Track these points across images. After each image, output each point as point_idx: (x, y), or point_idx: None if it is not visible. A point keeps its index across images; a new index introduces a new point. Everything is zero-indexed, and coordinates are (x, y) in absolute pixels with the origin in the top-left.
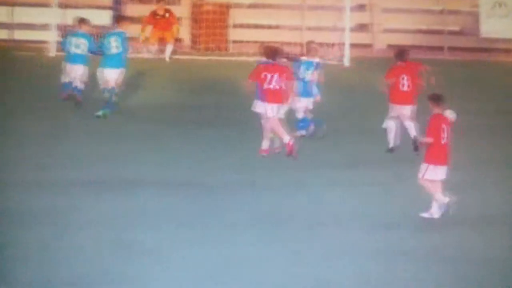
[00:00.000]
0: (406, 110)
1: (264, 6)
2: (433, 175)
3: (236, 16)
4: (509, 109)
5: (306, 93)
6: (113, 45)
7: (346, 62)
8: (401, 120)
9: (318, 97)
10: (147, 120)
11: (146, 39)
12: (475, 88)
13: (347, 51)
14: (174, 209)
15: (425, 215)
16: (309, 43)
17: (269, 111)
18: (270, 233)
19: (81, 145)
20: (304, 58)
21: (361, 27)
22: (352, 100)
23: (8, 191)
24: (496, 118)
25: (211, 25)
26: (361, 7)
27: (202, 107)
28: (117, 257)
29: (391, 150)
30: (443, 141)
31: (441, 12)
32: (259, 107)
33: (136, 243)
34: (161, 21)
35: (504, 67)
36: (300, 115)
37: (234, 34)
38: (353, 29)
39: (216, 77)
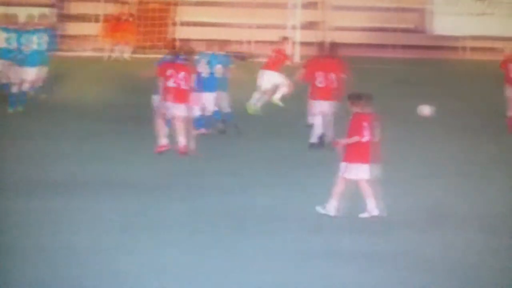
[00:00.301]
0: (324, 106)
1: (212, 3)
2: (353, 173)
3: (183, 14)
4: (449, 108)
5: (210, 88)
6: (35, 42)
7: (296, 59)
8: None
9: (223, 93)
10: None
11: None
12: (421, 86)
13: (297, 49)
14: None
15: (321, 210)
16: (221, 41)
17: (175, 111)
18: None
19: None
20: (208, 52)
21: (311, 25)
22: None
23: None
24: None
25: (156, 23)
26: (312, 5)
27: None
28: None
29: (312, 145)
30: (364, 139)
31: (393, 9)
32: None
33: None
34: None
35: (452, 65)
36: (209, 109)
37: (180, 32)
38: (303, 27)
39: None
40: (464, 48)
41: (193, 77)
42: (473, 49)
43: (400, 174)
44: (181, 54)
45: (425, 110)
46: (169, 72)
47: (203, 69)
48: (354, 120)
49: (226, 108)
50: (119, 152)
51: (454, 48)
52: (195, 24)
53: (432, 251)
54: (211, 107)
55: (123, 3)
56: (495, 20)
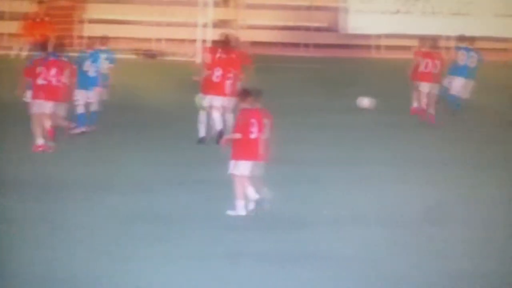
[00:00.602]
0: (216, 101)
1: (122, 1)
2: (241, 170)
3: (92, 12)
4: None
5: (88, 85)
6: None
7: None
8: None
9: (101, 89)
10: None
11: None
12: (334, 85)
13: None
14: None
15: (231, 213)
16: (102, 37)
17: (44, 108)
18: None
19: None
20: (90, 50)
21: (224, 23)
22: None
23: None
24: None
25: (64, 21)
26: (223, 3)
27: None
28: None
29: (201, 140)
30: (252, 136)
31: (307, 8)
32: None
33: None
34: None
35: (366, 64)
36: (80, 109)
37: (89, 30)
38: (215, 25)
39: None
40: (378, 47)
41: (67, 73)
42: (388, 47)
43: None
44: (54, 51)
45: (364, 102)
46: (39, 69)
47: (88, 67)
48: (241, 116)
49: (95, 106)
50: None
51: (369, 47)
52: (105, 21)
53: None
54: (95, 104)
55: (40, 2)
56: (410, 19)
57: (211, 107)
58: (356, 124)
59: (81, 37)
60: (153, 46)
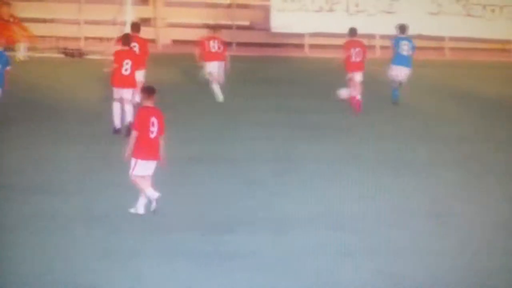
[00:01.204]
0: (126, 93)
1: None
2: (142, 170)
3: (17, 10)
4: (289, 106)
5: None
6: None
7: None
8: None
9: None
10: None
11: None
12: (256, 84)
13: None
14: None
15: (132, 210)
16: None
17: None
18: None
19: None
20: None
21: (144, 22)
22: None
23: None
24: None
25: None
26: (143, 1)
27: None
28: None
29: (116, 131)
30: (152, 135)
31: (229, 6)
32: None
33: None
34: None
35: (293, 63)
36: None
37: None
38: None
39: None
40: (303, 45)
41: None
42: (313, 46)
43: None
44: None
45: (343, 92)
46: None
47: None
48: (140, 114)
49: None
50: None
51: (296, 45)
52: (25, 20)
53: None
54: None
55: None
56: (334, 17)
57: (121, 99)
58: (284, 123)
59: None
60: (74, 45)
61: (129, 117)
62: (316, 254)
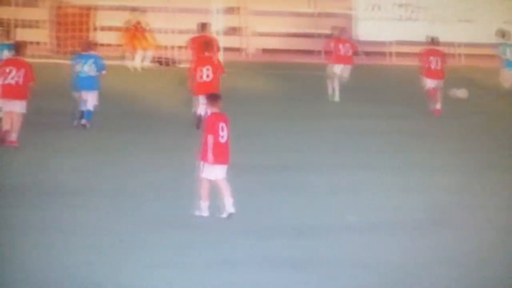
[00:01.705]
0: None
1: (127, 8)
2: (212, 174)
3: (102, 19)
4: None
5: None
6: None
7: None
8: None
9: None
10: None
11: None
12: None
13: (220, 55)
14: None
15: (196, 212)
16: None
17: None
18: None
19: None
20: (86, 53)
21: (232, 30)
22: None
23: None
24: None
25: (76, 28)
26: (230, 10)
27: None
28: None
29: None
30: (222, 140)
31: (315, 15)
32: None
33: None
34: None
35: (378, 70)
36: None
37: (99, 37)
38: (224, 33)
39: None
40: (390, 54)
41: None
42: (399, 54)
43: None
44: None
45: (458, 92)
46: (7, 69)
47: (81, 69)
48: (209, 120)
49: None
50: None
51: (381, 54)
52: (114, 29)
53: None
54: (89, 104)
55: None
56: (419, 26)
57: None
58: (371, 129)
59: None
60: (167, 54)
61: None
62: (403, 259)
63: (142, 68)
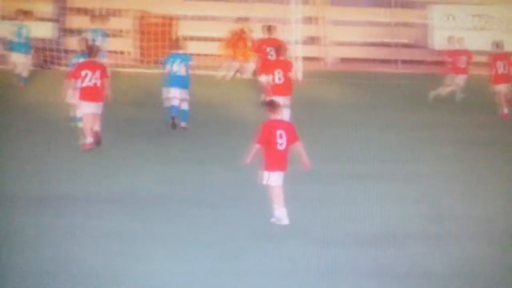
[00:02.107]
0: (283, 100)
1: (212, 18)
2: (276, 181)
3: (183, 29)
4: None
5: (179, 84)
6: None
7: (300, 76)
8: None
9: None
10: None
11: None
12: (422, 100)
13: (299, 65)
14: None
15: (274, 220)
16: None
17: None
18: None
19: None
20: (179, 52)
21: (311, 40)
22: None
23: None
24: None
25: (159, 38)
26: (308, 20)
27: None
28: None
29: None
30: (280, 147)
31: (392, 24)
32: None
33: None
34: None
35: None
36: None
37: None
38: (303, 42)
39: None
40: None
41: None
42: (473, 64)
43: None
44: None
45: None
46: (84, 72)
47: (177, 68)
48: (264, 127)
49: (185, 106)
50: None
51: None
52: (198, 38)
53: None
54: (183, 104)
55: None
56: (492, 36)
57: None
58: (448, 138)
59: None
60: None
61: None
62: (470, 267)
63: (231, 78)
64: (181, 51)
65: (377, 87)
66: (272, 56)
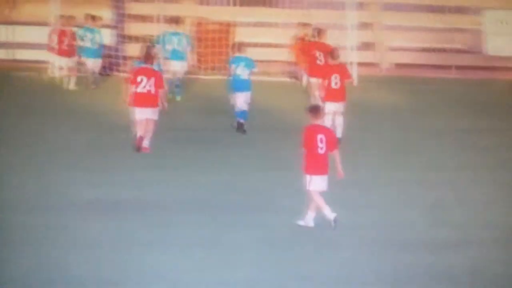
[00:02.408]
0: (338, 107)
1: (269, 24)
2: (319, 185)
3: (241, 35)
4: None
5: (243, 88)
6: None
7: (355, 81)
8: None
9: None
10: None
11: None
12: (476, 106)
13: (354, 71)
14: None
15: (301, 223)
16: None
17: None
18: None
19: None
20: (236, 54)
21: (366, 46)
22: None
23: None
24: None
25: (216, 44)
26: (364, 25)
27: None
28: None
29: None
30: (320, 151)
31: (446, 30)
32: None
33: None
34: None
35: (507, 85)
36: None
37: None
38: (358, 48)
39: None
40: None
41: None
42: None
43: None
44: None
45: None
46: (139, 78)
47: (240, 71)
48: (307, 132)
49: (245, 107)
50: None
51: (509, 69)
52: (254, 45)
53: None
54: (243, 105)
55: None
56: None
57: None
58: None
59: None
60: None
61: (339, 131)
62: None
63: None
64: (243, 55)
65: (431, 93)
66: (321, 60)
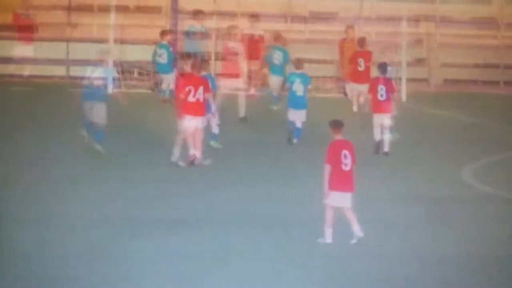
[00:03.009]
0: (385, 118)
1: (318, 40)
2: (337, 201)
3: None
4: None
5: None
6: None
7: (403, 97)
8: None
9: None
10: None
11: None
12: None
13: (403, 86)
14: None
15: (320, 240)
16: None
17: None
18: None
19: None
20: (299, 72)
21: (418, 62)
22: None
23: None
24: None
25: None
26: (417, 42)
27: None
28: None
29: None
30: (344, 168)
31: (500, 47)
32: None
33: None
34: None
35: None
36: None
37: None
38: (410, 64)
39: None
40: None
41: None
42: None
43: None
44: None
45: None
46: (188, 88)
47: (296, 88)
48: (331, 148)
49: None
50: None
51: None
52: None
53: None
54: (297, 123)
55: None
56: None
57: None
58: None
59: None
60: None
61: (386, 144)
62: None
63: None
64: (299, 71)
65: (480, 108)
66: (361, 67)
